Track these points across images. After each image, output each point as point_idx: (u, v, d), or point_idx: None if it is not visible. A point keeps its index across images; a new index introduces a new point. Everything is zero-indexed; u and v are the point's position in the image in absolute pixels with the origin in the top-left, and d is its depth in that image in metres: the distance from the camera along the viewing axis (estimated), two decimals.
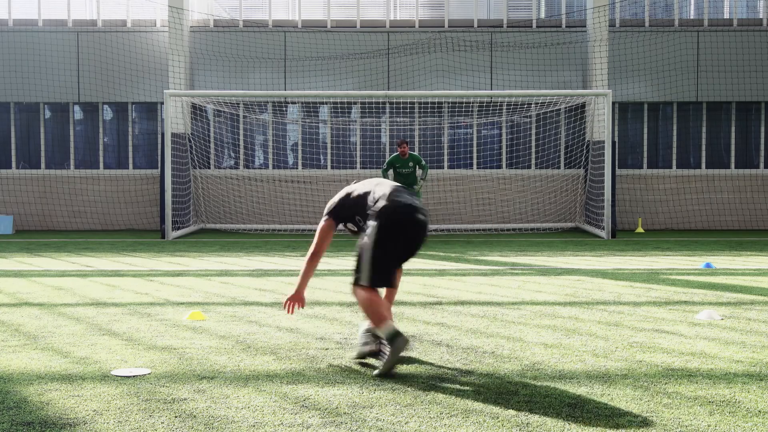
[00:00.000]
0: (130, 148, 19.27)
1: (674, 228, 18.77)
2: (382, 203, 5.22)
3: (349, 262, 11.79)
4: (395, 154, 15.71)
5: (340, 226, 5.53)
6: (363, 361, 5.38)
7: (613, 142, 17.75)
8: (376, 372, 5.00)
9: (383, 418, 4.10)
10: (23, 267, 11.05)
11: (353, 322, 6.78)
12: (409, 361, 5.38)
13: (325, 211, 5.51)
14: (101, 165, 19.19)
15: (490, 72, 18.98)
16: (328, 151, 19.23)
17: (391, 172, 15.56)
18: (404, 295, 8.32)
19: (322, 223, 5.49)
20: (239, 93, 17.40)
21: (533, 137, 19.20)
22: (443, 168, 19.00)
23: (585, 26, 18.86)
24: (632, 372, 5.04)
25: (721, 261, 11.77)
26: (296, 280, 5.66)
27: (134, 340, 6.05)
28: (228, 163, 19.49)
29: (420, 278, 9.77)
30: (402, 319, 6.92)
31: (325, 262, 11.60)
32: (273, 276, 10.03)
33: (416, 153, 16.87)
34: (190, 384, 4.75)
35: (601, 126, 17.86)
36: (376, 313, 5.11)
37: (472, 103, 18.91)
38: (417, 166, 15.55)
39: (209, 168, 19.02)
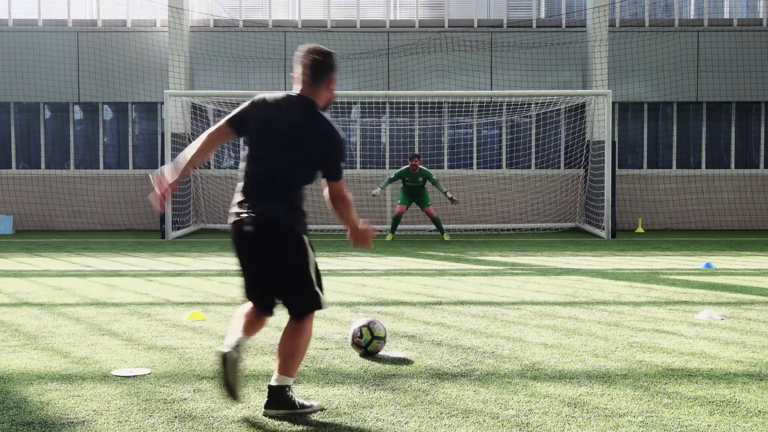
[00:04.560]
0: (130, 148, 19.27)
1: (674, 228, 18.76)
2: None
3: (348, 261, 11.79)
4: (406, 167, 15.75)
5: None
6: (364, 360, 5.38)
7: (613, 142, 17.74)
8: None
9: (383, 418, 4.10)
10: (23, 267, 11.05)
11: (353, 322, 6.78)
12: (409, 361, 5.38)
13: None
14: (101, 165, 19.19)
15: (490, 72, 18.98)
16: None
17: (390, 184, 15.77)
18: (404, 295, 8.33)
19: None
20: (239, 93, 17.39)
21: (533, 137, 19.19)
22: (443, 168, 18.99)
23: (585, 26, 18.85)
24: (632, 372, 5.04)
25: (721, 261, 11.77)
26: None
27: (134, 340, 6.05)
28: (228, 163, 19.49)
29: (420, 278, 9.77)
30: (402, 319, 6.92)
31: (325, 262, 11.61)
32: None
33: (422, 166, 16.75)
34: (190, 384, 4.75)
35: (601, 126, 17.85)
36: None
37: (472, 103, 18.90)
38: (427, 181, 15.60)
39: (209, 168, 19.02)
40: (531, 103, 18.56)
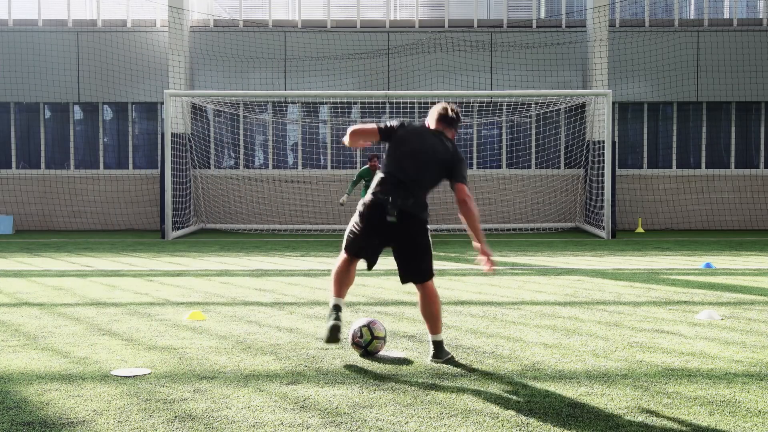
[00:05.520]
0: (130, 148, 19.27)
1: (674, 228, 18.76)
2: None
3: None
4: (366, 167, 15.72)
5: None
6: (364, 360, 5.38)
7: (613, 142, 17.74)
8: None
9: (383, 418, 4.10)
10: (23, 267, 11.05)
11: (353, 322, 6.77)
12: (409, 361, 5.38)
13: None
14: (101, 165, 19.19)
15: (490, 72, 18.98)
16: (328, 151, 19.23)
17: (361, 184, 15.67)
18: (404, 295, 8.33)
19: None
20: (239, 93, 17.40)
21: (533, 137, 19.20)
22: None
23: (585, 26, 18.86)
24: (632, 372, 5.04)
25: (721, 261, 11.77)
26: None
27: (134, 340, 6.05)
28: (228, 163, 19.49)
29: None
30: (402, 319, 6.92)
31: (326, 263, 11.60)
32: (273, 276, 10.03)
33: None
34: (190, 384, 4.75)
35: (601, 126, 17.85)
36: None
37: (472, 103, 18.90)
38: None
39: (209, 168, 19.02)
40: (531, 103, 18.56)
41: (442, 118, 5.63)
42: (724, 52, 18.84)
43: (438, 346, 5.40)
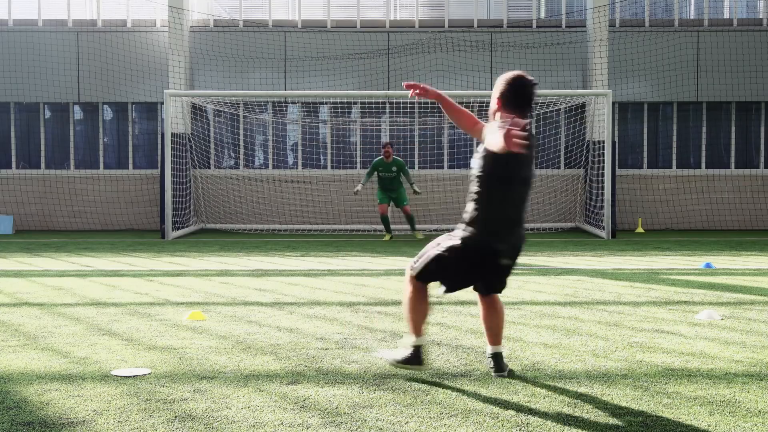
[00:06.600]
0: (130, 148, 19.27)
1: (674, 228, 18.76)
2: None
3: (348, 261, 11.78)
4: (379, 157, 15.75)
5: None
6: (364, 360, 5.37)
7: (613, 142, 17.73)
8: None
9: (383, 418, 4.10)
10: (23, 267, 11.05)
11: (353, 322, 6.78)
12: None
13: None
14: (101, 165, 19.19)
15: (490, 72, 18.97)
16: (328, 151, 19.23)
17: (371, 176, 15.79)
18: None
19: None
20: (239, 93, 17.40)
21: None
22: (443, 168, 18.99)
23: (585, 26, 18.85)
24: (632, 372, 5.04)
25: (721, 261, 11.77)
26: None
27: (134, 340, 6.05)
28: (228, 163, 19.49)
29: None
30: (402, 319, 6.91)
31: (326, 262, 11.60)
32: (273, 276, 10.03)
33: (400, 158, 16.51)
34: (190, 384, 4.75)
35: (601, 126, 17.85)
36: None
37: (472, 103, 18.90)
38: (400, 172, 15.54)
39: (209, 168, 19.01)
40: None
41: (526, 100, 4.54)
42: (724, 52, 18.84)
43: (498, 357, 4.98)
